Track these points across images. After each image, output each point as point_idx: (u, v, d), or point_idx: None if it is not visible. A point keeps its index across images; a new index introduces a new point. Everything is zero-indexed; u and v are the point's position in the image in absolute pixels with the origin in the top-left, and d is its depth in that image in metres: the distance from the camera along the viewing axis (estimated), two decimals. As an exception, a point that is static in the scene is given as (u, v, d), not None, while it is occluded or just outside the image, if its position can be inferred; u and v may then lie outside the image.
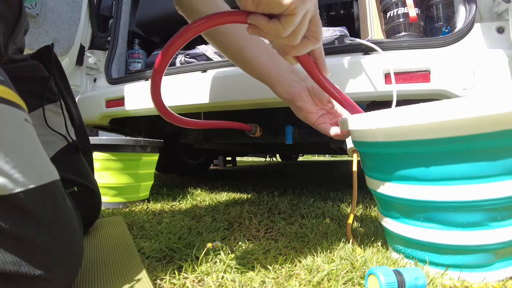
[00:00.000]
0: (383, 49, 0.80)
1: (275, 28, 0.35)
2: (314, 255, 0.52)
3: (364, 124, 0.46)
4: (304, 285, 0.42)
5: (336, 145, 1.12)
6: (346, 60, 0.80)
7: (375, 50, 0.80)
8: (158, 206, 0.99)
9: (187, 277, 0.45)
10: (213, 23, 0.36)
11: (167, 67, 0.42)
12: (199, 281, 0.44)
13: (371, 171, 0.53)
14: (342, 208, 0.94)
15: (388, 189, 0.49)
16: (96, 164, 0.94)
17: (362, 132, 0.49)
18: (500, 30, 0.76)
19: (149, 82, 1.09)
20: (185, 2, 0.63)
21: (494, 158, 0.39)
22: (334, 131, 0.57)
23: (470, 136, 0.38)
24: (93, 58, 1.30)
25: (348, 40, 0.84)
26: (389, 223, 0.52)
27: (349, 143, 0.59)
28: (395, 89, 0.73)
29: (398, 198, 0.47)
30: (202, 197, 1.13)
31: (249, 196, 1.17)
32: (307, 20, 0.37)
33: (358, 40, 0.83)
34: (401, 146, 0.44)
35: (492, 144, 0.38)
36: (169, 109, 0.53)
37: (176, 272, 0.45)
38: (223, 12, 0.36)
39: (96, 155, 0.94)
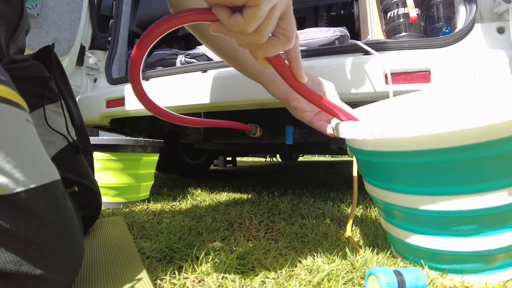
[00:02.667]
0: (384, 49, 0.80)
1: (237, 23, 0.31)
2: (314, 256, 0.52)
3: (352, 133, 0.44)
4: (304, 285, 0.42)
5: (336, 145, 1.12)
6: (346, 60, 0.80)
7: (370, 53, 0.79)
8: (158, 206, 0.99)
9: (187, 277, 0.45)
10: (180, 21, 0.33)
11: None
12: (199, 281, 0.44)
13: (365, 175, 0.53)
14: (342, 208, 0.94)
15: (381, 195, 0.48)
16: (97, 164, 0.94)
17: (351, 140, 0.49)
18: (501, 30, 0.76)
19: (149, 83, 1.09)
20: (177, 3, 0.62)
21: (481, 168, 0.38)
22: (330, 129, 0.57)
23: (459, 147, 0.37)
24: (94, 58, 1.30)
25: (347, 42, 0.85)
26: (387, 226, 0.52)
27: None
28: (391, 89, 0.73)
29: (391, 205, 0.47)
30: (202, 197, 1.13)
31: (249, 196, 1.17)
32: (275, 15, 0.32)
33: (352, 41, 0.83)
34: (391, 156, 0.43)
35: (478, 154, 0.37)
36: (164, 108, 0.50)
37: (176, 272, 0.45)
38: (190, 9, 0.33)
39: (97, 155, 0.94)
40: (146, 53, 0.36)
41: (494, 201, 0.39)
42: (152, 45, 0.34)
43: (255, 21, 0.31)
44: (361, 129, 0.42)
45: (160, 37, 0.34)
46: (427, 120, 0.36)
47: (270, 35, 0.35)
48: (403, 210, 0.46)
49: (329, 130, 0.57)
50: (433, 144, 0.38)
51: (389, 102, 0.62)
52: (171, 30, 0.34)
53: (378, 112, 0.61)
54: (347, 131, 0.45)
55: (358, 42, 0.81)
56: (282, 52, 0.39)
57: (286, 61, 0.42)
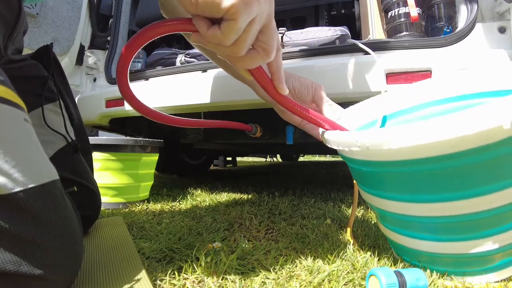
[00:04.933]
0: (385, 49, 0.80)
1: (214, 35, 0.31)
2: (315, 256, 0.52)
3: (339, 144, 0.43)
4: (305, 286, 0.42)
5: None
6: (346, 60, 0.80)
7: (368, 53, 0.79)
8: (158, 206, 0.98)
9: (187, 278, 0.44)
10: (166, 29, 0.33)
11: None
12: (199, 281, 0.44)
13: (359, 182, 0.52)
14: (343, 208, 0.94)
15: (376, 202, 0.48)
16: (96, 164, 0.93)
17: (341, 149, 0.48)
18: (502, 30, 0.76)
19: (149, 82, 1.09)
20: (167, 5, 0.62)
21: (470, 175, 0.37)
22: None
23: (446, 155, 0.36)
24: (93, 57, 1.30)
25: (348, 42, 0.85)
26: (385, 231, 0.52)
27: None
28: (384, 90, 0.73)
29: (386, 211, 0.47)
30: (202, 198, 1.13)
31: (250, 196, 1.17)
32: (253, 28, 0.32)
33: (351, 40, 0.83)
34: (380, 165, 0.42)
35: (465, 161, 0.36)
36: (160, 108, 0.50)
37: (176, 272, 0.45)
38: (176, 19, 0.33)
39: (96, 155, 0.94)
40: (135, 55, 0.37)
41: (484, 205, 0.38)
42: (140, 48, 0.36)
43: (232, 35, 0.30)
44: (347, 140, 0.41)
45: (148, 42, 0.35)
46: (413, 130, 0.35)
47: (251, 47, 0.35)
48: (398, 217, 0.45)
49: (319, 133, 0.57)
50: (421, 154, 0.37)
51: (380, 99, 0.62)
52: (158, 37, 0.35)
53: (367, 111, 0.61)
54: (334, 141, 0.44)
55: (357, 42, 0.81)
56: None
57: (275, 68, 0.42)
